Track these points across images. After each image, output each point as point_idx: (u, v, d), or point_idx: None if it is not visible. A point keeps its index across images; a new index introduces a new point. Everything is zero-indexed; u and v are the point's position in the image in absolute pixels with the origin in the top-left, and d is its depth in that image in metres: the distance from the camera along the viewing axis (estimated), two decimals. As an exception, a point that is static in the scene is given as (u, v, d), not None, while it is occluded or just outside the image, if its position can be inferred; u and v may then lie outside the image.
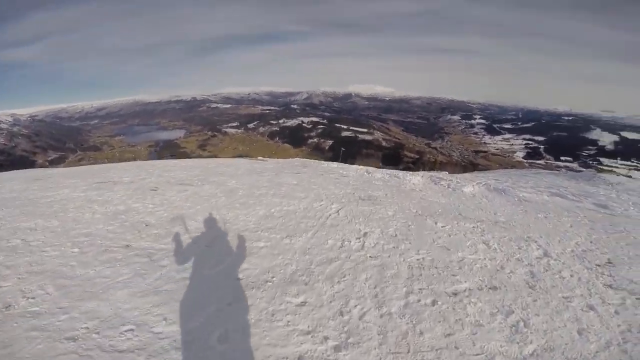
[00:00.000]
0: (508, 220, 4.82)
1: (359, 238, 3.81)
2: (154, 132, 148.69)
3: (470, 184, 7.70)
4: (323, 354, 2.10)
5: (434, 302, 2.66)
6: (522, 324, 2.45)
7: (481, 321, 2.46)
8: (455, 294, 2.78)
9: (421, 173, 10.66)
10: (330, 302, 2.65)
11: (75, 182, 6.27)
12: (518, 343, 2.25)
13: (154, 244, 3.56)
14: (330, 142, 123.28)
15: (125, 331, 2.19)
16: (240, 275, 3.02)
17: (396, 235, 3.96)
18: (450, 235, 4.00)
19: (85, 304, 2.44)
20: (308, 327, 2.34)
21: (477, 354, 2.14)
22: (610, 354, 2.19)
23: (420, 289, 2.84)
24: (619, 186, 9.34)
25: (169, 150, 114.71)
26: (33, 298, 2.49)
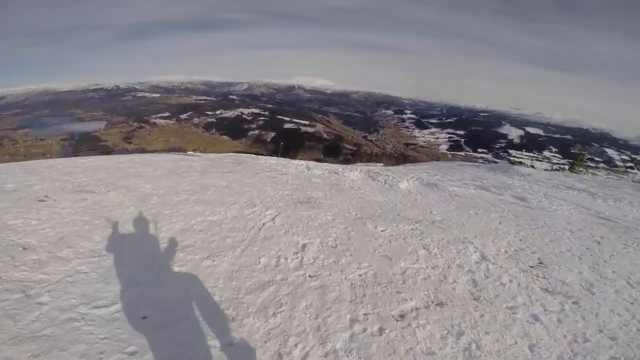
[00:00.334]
0: (444, 219, 4.82)
1: (297, 253, 3.32)
2: (67, 123, 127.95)
3: (405, 179, 7.82)
4: None
5: (381, 331, 2.32)
6: (474, 345, 2.24)
7: (433, 348, 2.19)
8: (402, 317, 2.48)
9: (359, 167, 10.68)
10: (265, 342, 2.15)
11: None
12: (472, 372, 2.02)
13: (32, 274, 2.65)
14: (272, 134, 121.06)
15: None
16: (146, 313, 2.33)
17: (336, 245, 3.58)
18: (390, 242, 3.76)
19: None
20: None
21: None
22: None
23: (365, 314, 2.47)
24: (529, 177, 10.48)
25: (87, 144, 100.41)
26: None
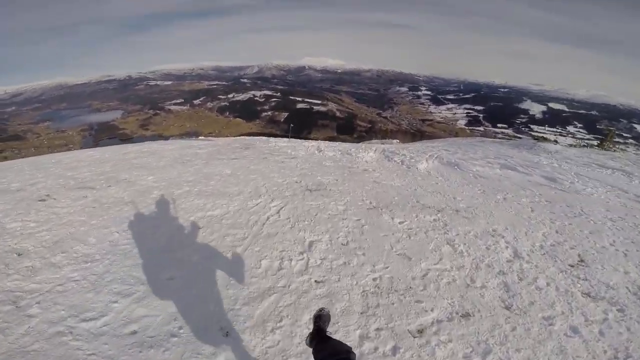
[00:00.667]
0: (469, 206, 4.34)
1: (303, 253, 2.98)
2: (85, 115, 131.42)
3: (423, 159, 7.29)
4: None
5: (395, 350, 1.98)
6: (503, 368, 1.87)
7: (454, 372, 1.84)
8: (420, 332, 2.12)
9: (374, 146, 10.13)
10: (261, 364, 1.85)
11: None
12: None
13: (24, 283, 2.49)
14: (285, 114, 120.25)
15: None
16: (135, 328, 2.09)
17: (347, 242, 3.20)
18: (410, 237, 3.34)
19: None
20: None
21: None
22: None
23: (377, 329, 2.13)
24: (557, 155, 9.67)
25: (106, 133, 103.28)
26: None
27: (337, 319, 2.21)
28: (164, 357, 1.92)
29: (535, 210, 4.33)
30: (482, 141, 14.82)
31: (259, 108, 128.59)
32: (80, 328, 2.10)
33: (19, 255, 2.90)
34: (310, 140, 12.37)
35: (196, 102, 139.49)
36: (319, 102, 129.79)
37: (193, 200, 4.17)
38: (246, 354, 1.94)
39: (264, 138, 12.61)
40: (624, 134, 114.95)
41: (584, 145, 17.51)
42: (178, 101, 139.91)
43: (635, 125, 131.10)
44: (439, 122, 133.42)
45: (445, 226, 3.63)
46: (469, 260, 2.97)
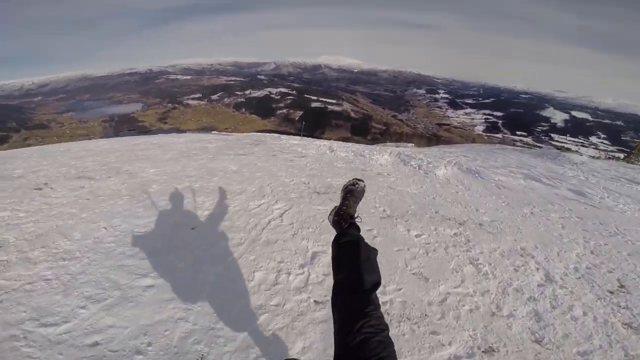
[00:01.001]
0: (493, 219, 3.90)
1: (304, 266, 2.64)
2: (107, 106, 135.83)
3: (442, 165, 6.83)
4: None
5: (406, 400, 1.62)
6: None
7: None
8: (438, 375, 1.76)
9: (389, 149, 9.69)
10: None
11: None
12: None
13: None
14: (300, 112, 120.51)
15: None
16: (98, 339, 1.85)
17: (355, 255, 2.85)
18: (427, 253, 2.95)
19: None
20: None
21: None
22: None
23: (385, 367, 1.77)
24: (583, 166, 8.99)
25: (126, 125, 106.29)
26: None
27: (337, 350, 1.87)
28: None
29: (567, 228, 3.85)
30: (503, 148, 14.15)
31: (274, 105, 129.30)
32: (36, 333, 1.84)
33: (-1, 247, 2.69)
34: (322, 140, 12.03)
35: (214, 97, 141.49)
36: (334, 101, 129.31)
37: (192, 196, 3.90)
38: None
39: (276, 135, 12.34)
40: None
41: (609, 158, 16.55)
42: (196, 96, 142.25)
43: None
44: (455, 127, 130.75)
45: (468, 242, 3.22)
46: (494, 283, 2.56)
